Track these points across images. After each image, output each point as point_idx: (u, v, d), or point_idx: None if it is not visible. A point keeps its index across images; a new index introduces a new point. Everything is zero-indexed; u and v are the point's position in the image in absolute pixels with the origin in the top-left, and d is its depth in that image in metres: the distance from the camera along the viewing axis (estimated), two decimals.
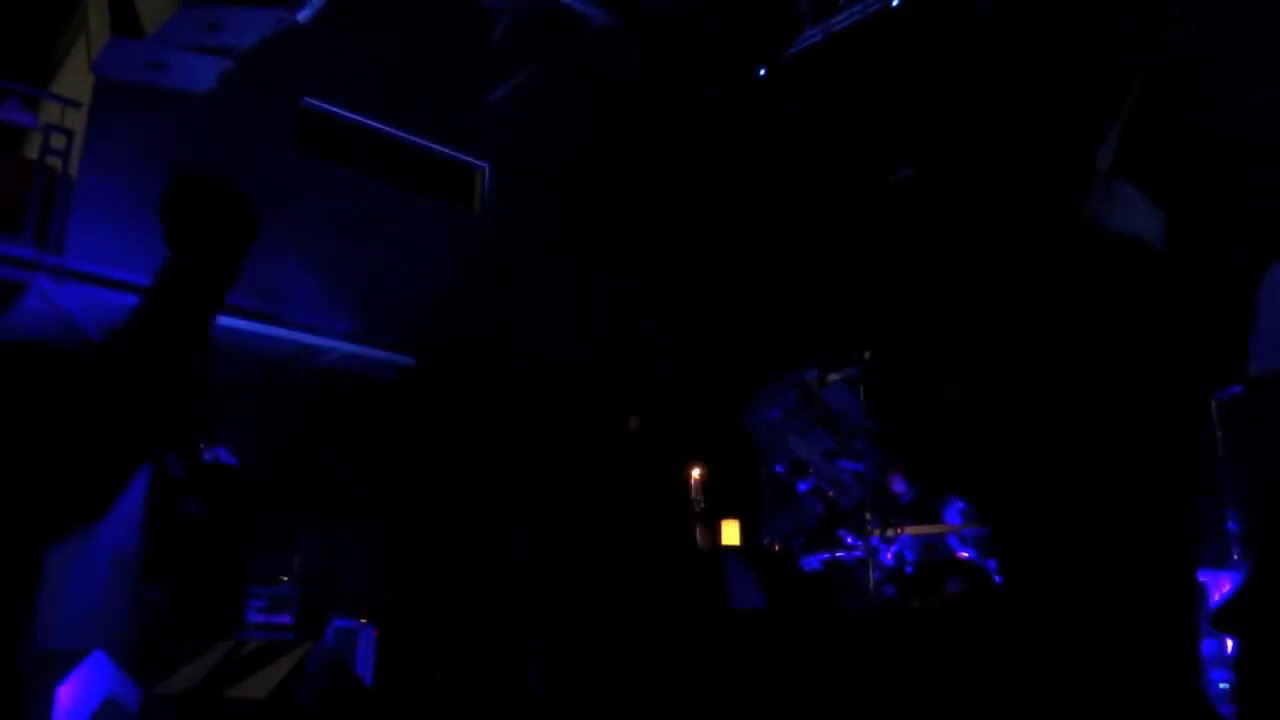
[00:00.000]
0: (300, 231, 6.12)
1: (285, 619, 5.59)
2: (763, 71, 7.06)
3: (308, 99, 6.88)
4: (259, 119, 6.38)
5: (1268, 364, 2.32)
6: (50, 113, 6.23)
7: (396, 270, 6.69)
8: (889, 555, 4.62)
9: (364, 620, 5.35)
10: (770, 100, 6.80)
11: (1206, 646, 3.14)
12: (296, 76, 6.58)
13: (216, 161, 5.58)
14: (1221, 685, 3.09)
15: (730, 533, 4.15)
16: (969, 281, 2.09)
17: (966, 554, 4.44)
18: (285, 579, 5.86)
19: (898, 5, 6.26)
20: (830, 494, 5.19)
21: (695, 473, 4.93)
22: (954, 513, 4.70)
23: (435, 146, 7.56)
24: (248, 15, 5.77)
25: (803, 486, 5.30)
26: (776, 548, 4.93)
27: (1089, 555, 1.85)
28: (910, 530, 4.61)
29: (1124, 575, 1.84)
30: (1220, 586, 3.33)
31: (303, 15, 6.12)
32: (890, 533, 4.63)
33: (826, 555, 4.94)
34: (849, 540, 4.76)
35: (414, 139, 7.44)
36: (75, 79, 6.32)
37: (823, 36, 6.45)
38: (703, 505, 4.89)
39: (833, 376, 5.40)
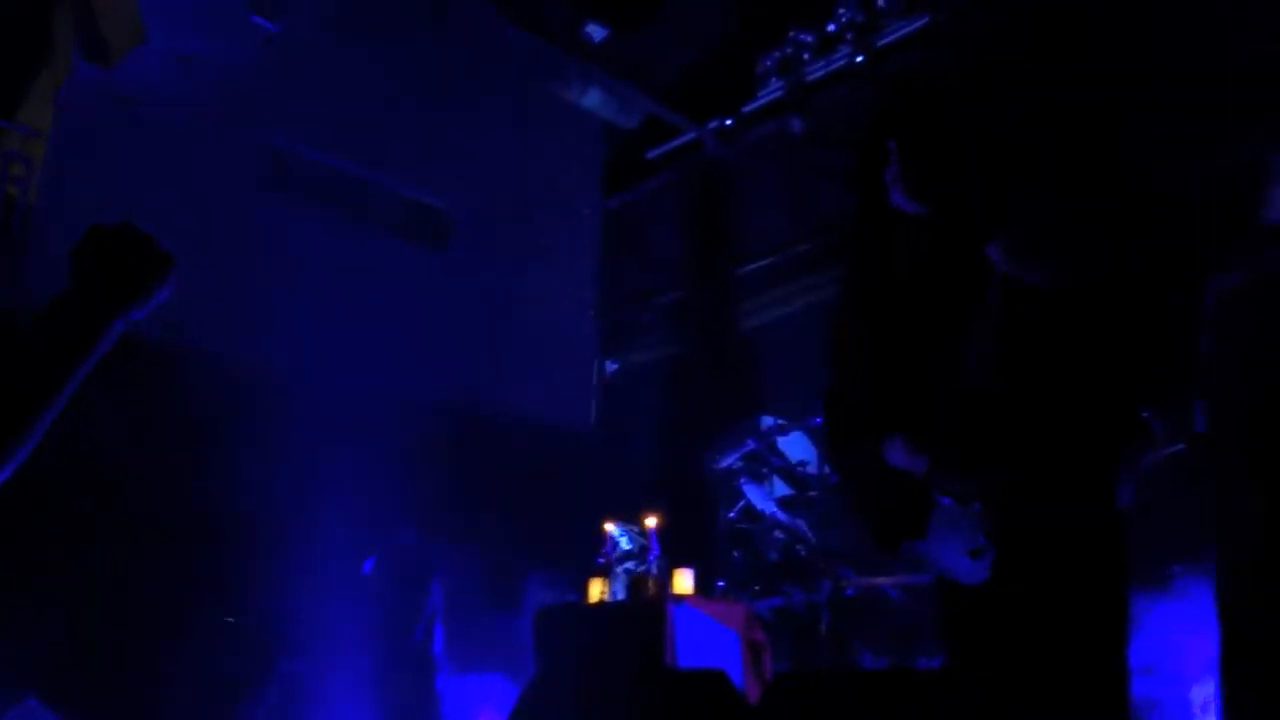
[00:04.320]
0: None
1: None
2: (729, 122, 7.21)
3: (274, 138, 6.88)
4: (224, 154, 6.38)
5: None
6: (11, 140, 6.18)
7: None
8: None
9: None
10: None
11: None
12: (262, 113, 6.58)
13: (178, 196, 5.57)
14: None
15: (682, 582, 4.14)
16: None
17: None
18: None
19: (863, 61, 6.42)
20: (785, 542, 5.21)
21: (650, 520, 4.92)
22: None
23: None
24: (216, 47, 5.81)
25: (758, 535, 5.32)
26: (729, 596, 4.93)
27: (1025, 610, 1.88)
28: (861, 581, 4.64)
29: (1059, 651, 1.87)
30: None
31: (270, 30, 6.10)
32: (842, 583, 4.66)
33: (779, 602, 4.95)
34: (799, 589, 4.78)
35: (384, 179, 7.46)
36: (40, 107, 6.29)
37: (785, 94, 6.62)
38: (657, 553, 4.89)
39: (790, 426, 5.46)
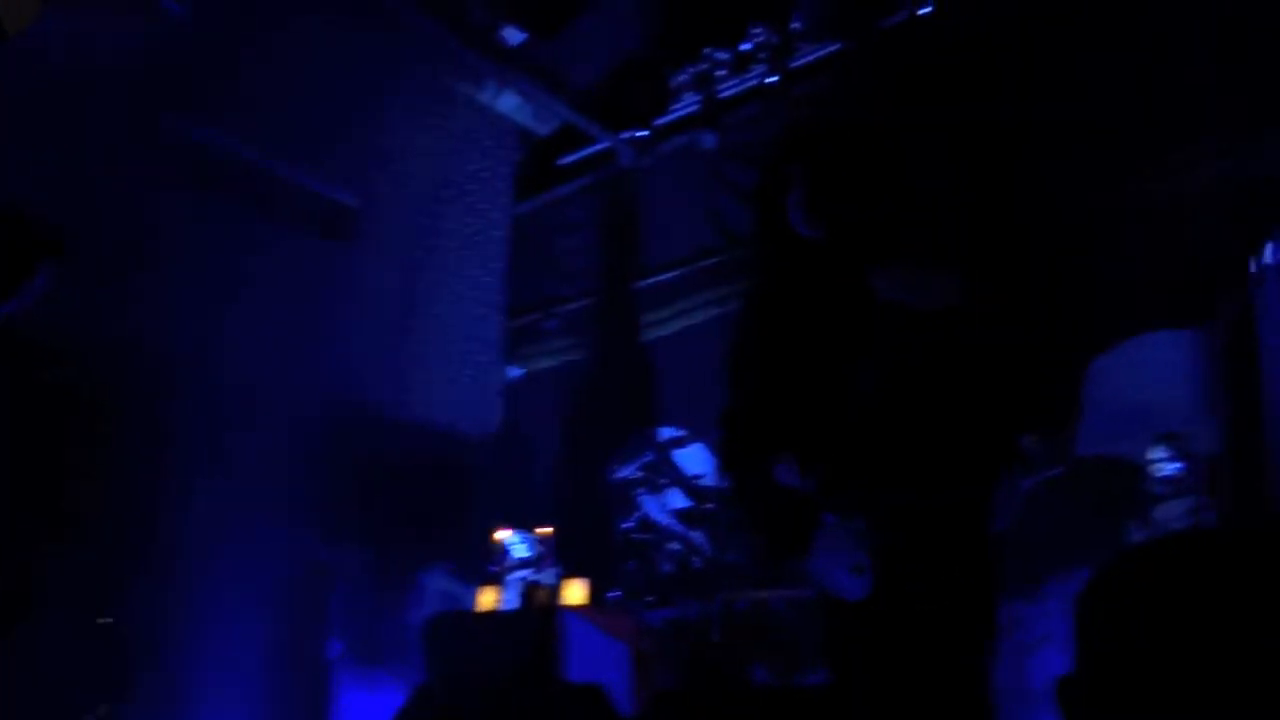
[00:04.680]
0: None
1: None
2: (643, 133, 7.25)
3: (176, 123, 6.63)
4: (119, 138, 6.13)
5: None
6: None
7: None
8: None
9: None
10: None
11: None
12: (161, 97, 6.35)
13: (67, 179, 5.33)
14: None
15: (575, 592, 4.12)
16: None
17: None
18: None
19: (775, 81, 6.52)
20: (681, 554, 5.24)
21: (546, 529, 4.90)
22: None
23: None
24: (116, 26, 5.57)
25: (654, 546, 5.34)
26: (622, 608, 4.93)
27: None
28: (753, 595, 4.68)
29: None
30: None
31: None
32: (734, 596, 4.70)
33: (672, 614, 4.96)
34: (692, 602, 4.80)
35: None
36: None
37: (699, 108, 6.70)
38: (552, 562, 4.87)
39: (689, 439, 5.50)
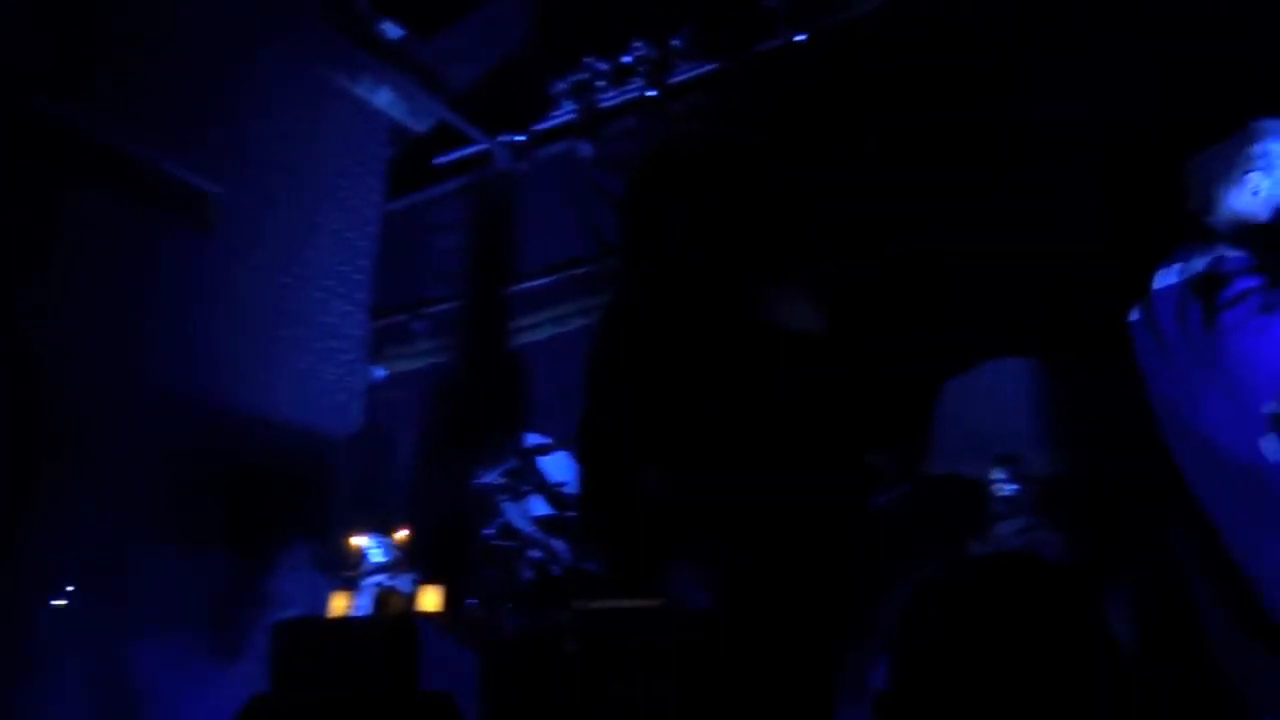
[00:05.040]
0: None
1: None
2: (521, 138, 7.23)
3: (30, 102, 6.24)
4: None
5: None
6: None
7: None
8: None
9: None
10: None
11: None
12: (14, 75, 5.97)
13: None
14: None
15: (431, 599, 4.06)
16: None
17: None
18: None
19: (654, 96, 6.61)
20: (541, 562, 5.22)
21: (403, 533, 4.82)
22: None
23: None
24: None
25: (514, 553, 5.30)
26: (480, 614, 4.87)
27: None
28: (611, 603, 4.70)
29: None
30: None
31: None
32: (593, 605, 4.71)
33: (530, 622, 4.94)
34: (551, 610, 4.78)
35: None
36: None
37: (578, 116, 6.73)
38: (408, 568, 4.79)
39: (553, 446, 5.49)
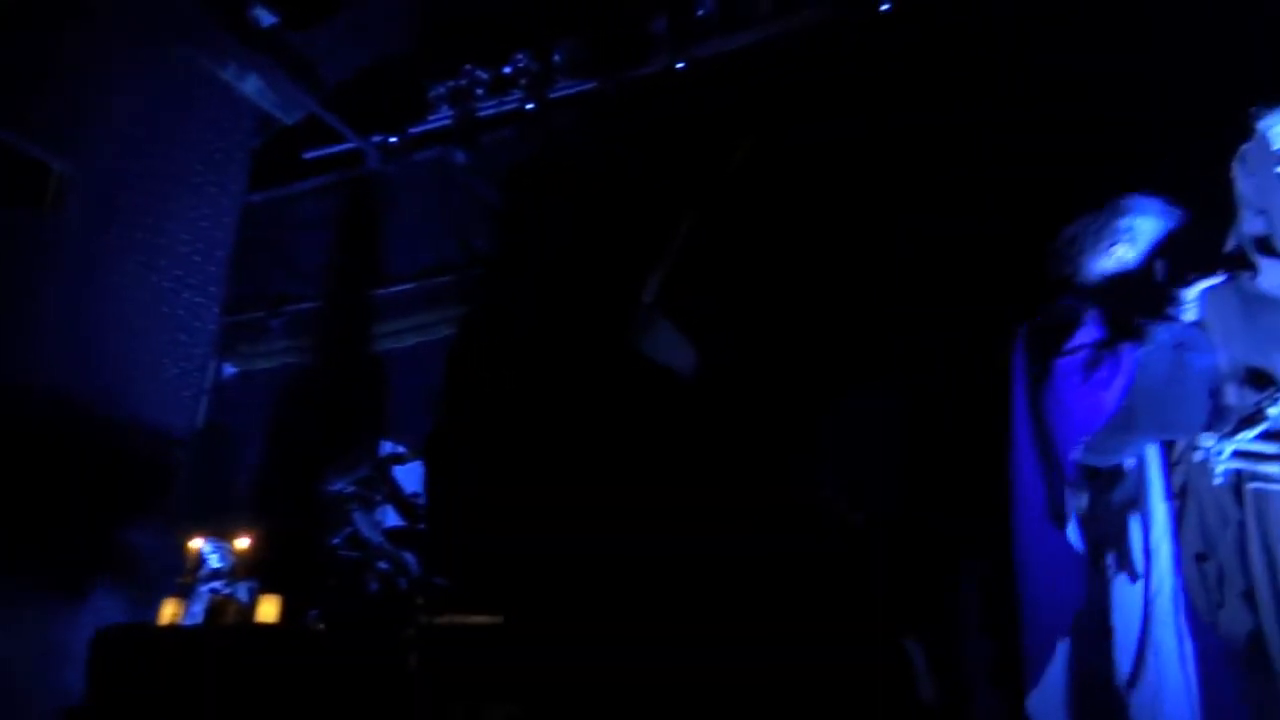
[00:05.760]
0: None
1: None
2: (394, 139, 7.10)
3: None
4: None
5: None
6: None
7: None
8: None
9: None
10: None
11: None
12: None
13: None
14: None
15: (269, 609, 3.91)
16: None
17: None
18: None
19: (533, 109, 6.60)
20: (388, 574, 5.09)
21: (244, 540, 4.62)
22: None
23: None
24: None
25: (361, 564, 5.16)
26: (320, 627, 4.72)
27: None
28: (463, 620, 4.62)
29: None
30: None
31: None
32: (440, 620, 4.62)
33: (371, 635, 4.81)
34: (395, 623, 4.67)
35: None
36: None
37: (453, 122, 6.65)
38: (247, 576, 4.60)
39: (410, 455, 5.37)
